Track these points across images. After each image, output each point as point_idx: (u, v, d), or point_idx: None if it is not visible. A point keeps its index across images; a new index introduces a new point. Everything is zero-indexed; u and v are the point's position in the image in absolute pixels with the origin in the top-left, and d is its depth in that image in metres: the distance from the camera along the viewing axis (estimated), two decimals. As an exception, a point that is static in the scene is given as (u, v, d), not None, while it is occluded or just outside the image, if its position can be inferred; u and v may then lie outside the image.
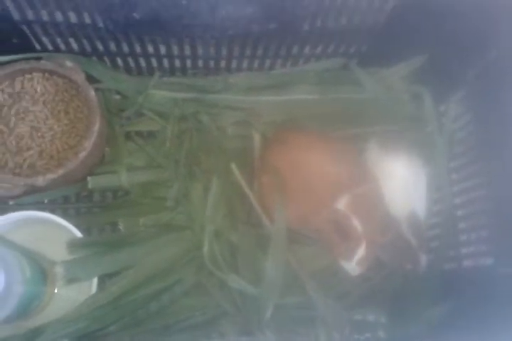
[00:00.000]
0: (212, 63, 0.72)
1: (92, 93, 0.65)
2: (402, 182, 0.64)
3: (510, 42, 0.56)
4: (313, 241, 0.66)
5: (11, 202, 0.65)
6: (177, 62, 0.72)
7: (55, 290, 0.64)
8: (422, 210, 0.65)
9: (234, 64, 0.73)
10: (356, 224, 0.58)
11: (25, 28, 0.62)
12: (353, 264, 0.60)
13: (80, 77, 0.66)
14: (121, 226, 0.66)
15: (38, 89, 0.67)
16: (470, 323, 0.59)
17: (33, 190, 0.63)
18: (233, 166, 0.67)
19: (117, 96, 0.72)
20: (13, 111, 0.66)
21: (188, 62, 0.72)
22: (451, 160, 0.69)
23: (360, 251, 0.59)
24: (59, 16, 0.59)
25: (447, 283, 0.65)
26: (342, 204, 0.59)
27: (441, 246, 0.68)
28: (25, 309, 0.58)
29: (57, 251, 0.63)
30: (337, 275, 0.66)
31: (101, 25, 0.59)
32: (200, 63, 0.72)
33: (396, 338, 0.66)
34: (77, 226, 0.63)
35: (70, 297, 0.63)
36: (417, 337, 0.64)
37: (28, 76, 0.67)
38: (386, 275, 0.67)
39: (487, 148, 0.63)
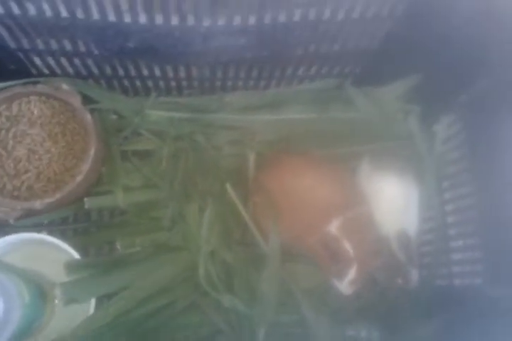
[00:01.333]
0: (207, 83, 0.73)
1: (88, 116, 0.66)
2: (394, 201, 0.66)
3: (502, 71, 0.56)
4: (307, 259, 0.67)
5: (8, 224, 0.66)
6: (172, 83, 0.73)
7: (55, 310, 0.64)
8: (413, 228, 0.66)
9: (229, 83, 0.74)
10: (347, 247, 0.59)
11: (21, 55, 0.63)
12: (345, 284, 0.61)
13: (75, 100, 0.67)
14: (118, 246, 0.66)
15: (35, 112, 0.68)
16: (459, 339, 0.60)
17: (30, 212, 0.64)
18: (228, 186, 0.67)
19: (114, 116, 0.73)
20: (10, 135, 0.67)
21: (184, 83, 0.73)
22: (443, 179, 0.69)
23: (352, 273, 0.60)
24: (54, 45, 0.60)
25: (439, 300, 0.66)
26: (334, 227, 0.60)
27: (432, 263, 0.68)
28: (25, 332, 0.59)
29: (55, 272, 0.64)
30: (330, 292, 0.66)
31: (96, 52, 0.60)
32: (196, 83, 0.73)
33: None
34: (74, 246, 0.64)
35: (69, 315, 0.64)
36: None
37: (25, 99, 0.68)
38: (378, 291, 0.68)
39: (479, 170, 0.64)
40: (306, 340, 0.65)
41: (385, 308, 0.68)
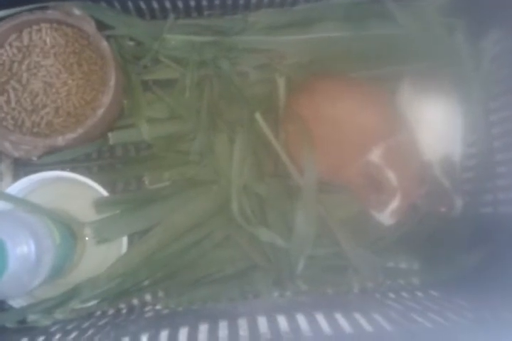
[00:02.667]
0: (229, 0, 0.67)
1: (105, 42, 0.61)
2: (437, 125, 0.61)
3: None
4: (342, 189, 0.64)
5: (31, 163, 0.63)
6: (192, 2, 0.67)
7: (86, 249, 0.63)
8: (457, 152, 0.62)
9: (253, 0, 0.67)
10: (391, 176, 0.56)
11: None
12: (387, 215, 0.58)
13: (90, 26, 0.62)
14: (146, 181, 0.64)
15: (48, 41, 0.63)
16: (504, 270, 0.58)
17: (53, 149, 0.61)
18: (257, 115, 0.64)
19: (131, 43, 0.69)
20: (24, 67, 0.63)
21: (204, 1, 0.67)
22: (490, 100, 0.64)
23: (395, 202, 0.57)
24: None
25: (483, 229, 0.63)
26: (375, 155, 0.56)
27: (477, 190, 0.65)
28: (58, 271, 0.58)
29: (84, 210, 0.63)
30: (368, 222, 0.63)
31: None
32: (217, 1, 0.67)
33: (429, 284, 0.65)
34: (101, 183, 0.62)
35: (100, 253, 0.63)
36: (451, 283, 0.63)
37: (35, 27, 0.63)
38: (419, 220, 0.65)
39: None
40: (344, 273, 0.64)
41: (426, 238, 0.66)
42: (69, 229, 0.61)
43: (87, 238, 0.64)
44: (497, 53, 0.63)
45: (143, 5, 0.66)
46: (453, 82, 0.63)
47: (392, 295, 0.63)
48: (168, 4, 0.67)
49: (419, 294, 0.63)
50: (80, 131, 0.59)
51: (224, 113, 0.66)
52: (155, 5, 0.67)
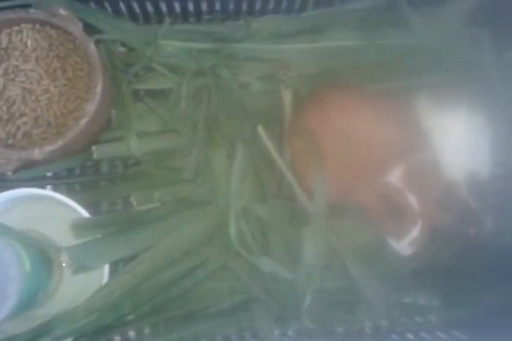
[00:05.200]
0: (231, 5, 0.63)
1: (92, 46, 0.55)
2: (461, 141, 0.55)
3: None
4: (354, 213, 0.58)
5: (6, 178, 0.57)
6: (190, 6, 0.62)
7: (63, 278, 0.56)
8: (485, 171, 0.56)
9: (258, 5, 0.63)
10: (412, 200, 0.50)
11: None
12: (406, 244, 0.52)
13: (76, 28, 0.56)
14: (133, 201, 0.57)
15: (29, 44, 0.57)
16: None
17: (29, 163, 0.55)
18: (260, 129, 0.58)
19: (122, 49, 0.64)
20: (0, 71, 0.56)
21: (204, 5, 0.62)
22: None
23: (415, 231, 0.51)
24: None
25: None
26: (395, 176, 0.50)
27: (504, 214, 0.58)
28: (29, 303, 0.50)
29: (62, 234, 0.56)
30: (383, 251, 0.57)
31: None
32: (218, 5, 0.63)
33: (452, 323, 0.59)
34: (83, 202, 0.56)
35: (79, 283, 0.57)
36: (474, 321, 0.56)
37: (15, 28, 0.57)
38: (438, 249, 0.59)
39: None
40: (356, 309, 0.58)
41: (448, 269, 0.59)
42: (43, 255, 0.53)
43: (64, 267, 0.57)
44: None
45: (136, 7, 0.62)
46: (477, 96, 0.58)
47: (410, 336, 0.56)
48: (163, 7, 0.63)
49: (441, 335, 0.56)
50: (60, 142, 0.53)
51: (223, 127, 0.61)
52: (149, 8, 0.62)
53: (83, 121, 0.53)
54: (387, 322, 0.60)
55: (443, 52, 0.60)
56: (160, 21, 0.63)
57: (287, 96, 0.60)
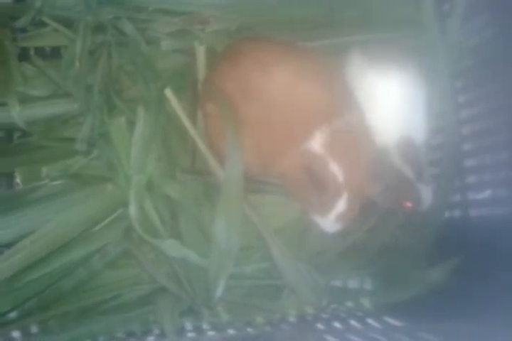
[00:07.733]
0: None
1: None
2: (394, 103, 0.51)
3: None
4: (277, 188, 0.54)
5: None
6: None
7: None
8: (420, 136, 0.52)
9: None
10: (335, 169, 0.45)
11: None
12: (331, 220, 0.47)
13: None
14: (18, 179, 0.54)
15: None
16: (479, 289, 0.47)
17: None
18: (168, 92, 0.53)
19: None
20: None
21: None
22: (457, 77, 0.55)
23: (340, 204, 0.46)
24: None
25: (449, 237, 0.53)
26: (317, 142, 0.45)
27: (441, 188, 0.55)
28: None
29: None
30: (308, 230, 0.54)
31: None
32: None
33: (385, 308, 0.55)
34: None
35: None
36: (413, 307, 0.52)
37: None
38: (371, 226, 0.54)
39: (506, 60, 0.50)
40: (277, 296, 0.53)
41: (380, 250, 0.55)
42: None
43: None
44: (467, 17, 0.54)
45: None
46: (414, 54, 0.54)
47: (337, 325, 0.52)
48: None
49: (372, 322, 0.53)
50: None
51: (124, 90, 0.56)
52: None
53: None
54: (313, 310, 0.55)
55: (379, 6, 0.56)
56: (50, -35, 0.56)
57: (201, 54, 0.55)
